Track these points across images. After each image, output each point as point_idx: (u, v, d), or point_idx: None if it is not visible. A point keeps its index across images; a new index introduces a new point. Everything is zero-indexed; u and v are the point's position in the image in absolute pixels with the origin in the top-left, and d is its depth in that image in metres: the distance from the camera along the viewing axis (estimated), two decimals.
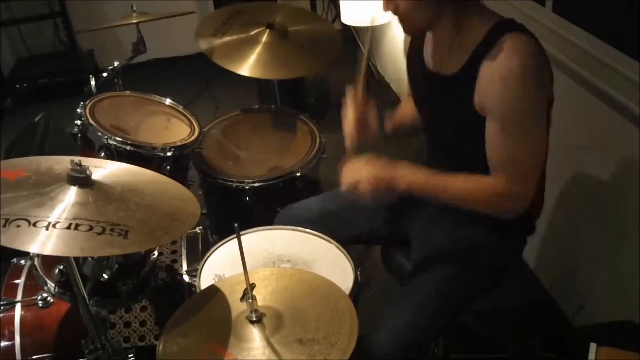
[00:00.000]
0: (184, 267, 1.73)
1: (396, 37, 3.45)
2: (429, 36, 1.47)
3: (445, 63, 1.40)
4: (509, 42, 1.24)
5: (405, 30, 1.41)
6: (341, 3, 3.15)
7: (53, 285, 1.50)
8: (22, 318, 1.57)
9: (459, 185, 1.34)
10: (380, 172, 1.38)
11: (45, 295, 1.55)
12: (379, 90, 3.74)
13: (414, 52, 1.54)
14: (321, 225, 1.66)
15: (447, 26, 1.35)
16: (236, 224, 1.12)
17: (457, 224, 1.53)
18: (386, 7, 1.36)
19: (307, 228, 1.65)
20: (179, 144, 1.88)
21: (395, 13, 1.36)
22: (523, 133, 1.27)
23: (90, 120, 1.80)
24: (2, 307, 1.58)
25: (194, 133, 1.99)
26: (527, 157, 1.28)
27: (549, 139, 1.42)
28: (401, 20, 1.38)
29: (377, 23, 2.89)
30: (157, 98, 2.10)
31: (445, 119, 1.45)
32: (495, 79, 1.25)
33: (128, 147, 1.76)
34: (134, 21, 2.19)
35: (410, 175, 1.38)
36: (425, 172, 1.37)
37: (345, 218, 1.71)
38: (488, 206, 1.35)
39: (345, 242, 1.63)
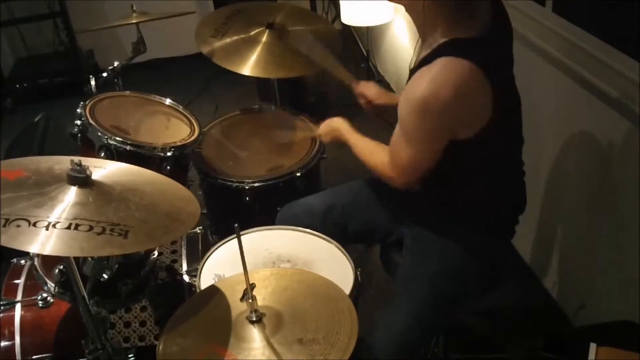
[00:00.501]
0: (184, 267, 1.73)
1: (396, 37, 3.45)
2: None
3: (422, 49, 1.46)
4: (434, 67, 1.30)
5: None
6: (341, 3, 3.15)
7: (53, 285, 1.50)
8: (22, 318, 1.57)
9: (365, 149, 1.66)
10: (334, 125, 1.82)
11: (45, 295, 1.55)
12: None
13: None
14: (323, 221, 1.68)
15: (426, 24, 1.40)
16: (236, 224, 1.12)
17: (446, 224, 1.54)
18: None
19: (309, 225, 1.67)
20: (179, 144, 1.88)
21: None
22: (409, 145, 1.40)
23: (90, 120, 1.80)
24: (2, 307, 1.58)
25: (194, 133, 1.99)
26: (408, 161, 1.43)
27: (549, 140, 1.43)
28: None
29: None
30: (157, 98, 2.10)
31: None
32: (406, 93, 1.35)
33: (128, 147, 1.76)
34: (134, 21, 2.18)
35: (339, 123, 1.80)
36: (352, 129, 1.76)
37: (347, 215, 1.72)
38: (377, 174, 1.58)
39: (346, 239, 1.65)
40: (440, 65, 1.29)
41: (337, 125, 1.82)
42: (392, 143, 1.48)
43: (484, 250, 1.54)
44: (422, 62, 1.35)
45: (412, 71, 1.40)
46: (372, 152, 1.63)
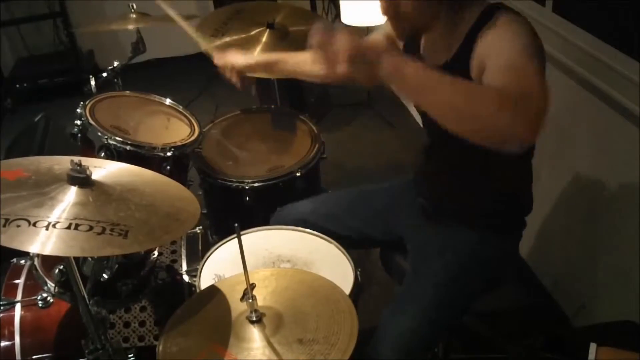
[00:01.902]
0: (184, 267, 1.73)
1: None
2: (424, 38, 1.47)
3: (437, 53, 1.38)
4: (504, 18, 1.23)
5: (399, 34, 1.39)
6: (341, 3, 3.15)
7: (53, 285, 1.50)
8: (22, 318, 1.57)
9: (460, 81, 1.07)
10: (363, 45, 1.10)
11: (45, 295, 1.55)
12: (379, 91, 3.75)
13: (409, 50, 1.52)
14: (315, 227, 1.66)
15: (444, 22, 1.34)
16: (236, 224, 1.12)
17: (450, 227, 1.53)
18: (385, 10, 1.35)
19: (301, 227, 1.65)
20: (179, 144, 1.88)
21: (394, 16, 1.34)
22: (524, 72, 1.09)
23: (90, 120, 1.79)
24: (2, 307, 1.58)
25: (194, 133, 1.99)
26: (530, 88, 1.05)
27: (548, 139, 1.43)
28: (398, 22, 1.36)
29: None
30: (157, 98, 2.10)
31: None
32: (494, 40, 1.18)
33: (128, 147, 1.76)
34: (135, 25, 2.17)
35: (399, 58, 1.09)
36: (411, 59, 1.09)
37: (340, 221, 1.70)
38: (490, 114, 1.01)
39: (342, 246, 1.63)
40: (506, 16, 1.21)
41: (377, 54, 1.09)
42: (495, 80, 1.10)
43: (491, 252, 1.53)
44: (474, 28, 1.24)
45: (468, 40, 1.24)
46: (467, 82, 1.13)
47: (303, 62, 1.75)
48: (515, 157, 1.09)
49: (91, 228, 1.07)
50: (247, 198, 2.01)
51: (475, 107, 1.02)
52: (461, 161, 1.41)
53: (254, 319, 1.15)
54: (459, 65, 1.27)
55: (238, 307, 1.19)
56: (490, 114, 1.01)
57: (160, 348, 1.14)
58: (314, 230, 1.64)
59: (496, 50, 1.16)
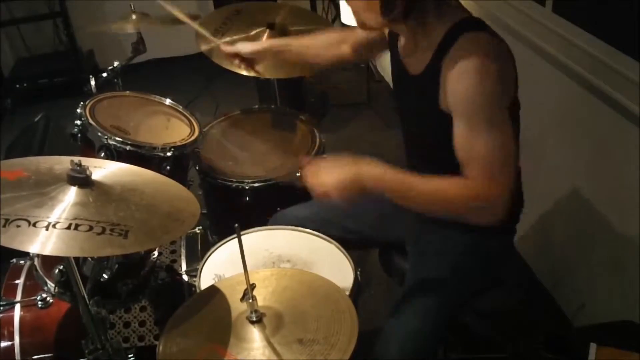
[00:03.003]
0: (184, 267, 1.73)
1: None
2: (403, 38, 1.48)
3: (412, 62, 1.42)
4: (465, 41, 1.25)
5: (359, 25, 1.42)
6: (341, 3, 3.15)
7: (53, 285, 1.50)
8: (21, 318, 1.57)
9: (432, 184, 1.25)
10: (344, 174, 1.28)
11: (44, 295, 1.55)
12: (379, 91, 3.75)
13: (392, 46, 1.55)
14: (312, 230, 1.66)
15: (410, 24, 1.36)
16: (236, 224, 1.12)
17: (446, 228, 1.53)
18: (357, 23, 1.40)
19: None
20: (179, 144, 1.88)
21: (361, 26, 1.41)
22: (486, 128, 1.22)
23: (90, 120, 1.79)
24: (1, 308, 1.58)
25: (194, 133, 1.99)
26: (493, 152, 1.22)
27: (548, 139, 1.43)
28: (355, 15, 1.40)
29: None
30: (157, 98, 2.10)
31: (415, 117, 1.48)
32: (454, 77, 1.25)
33: (128, 147, 1.76)
34: (135, 26, 2.17)
35: (375, 170, 1.27)
36: (394, 169, 1.28)
37: (336, 224, 1.69)
38: (463, 210, 1.26)
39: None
40: (468, 39, 1.24)
41: (356, 172, 1.28)
42: (459, 147, 1.25)
43: (487, 248, 1.54)
44: (440, 48, 1.28)
45: (435, 59, 1.30)
46: (439, 182, 1.25)
47: (307, 47, 1.80)
48: None
49: (91, 228, 1.07)
50: (247, 198, 2.01)
51: (448, 209, 1.28)
52: (435, 160, 1.43)
53: (254, 319, 1.15)
54: (428, 80, 1.33)
55: (238, 307, 1.19)
56: (461, 212, 1.27)
57: (160, 348, 1.14)
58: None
59: (455, 97, 1.26)
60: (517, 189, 1.56)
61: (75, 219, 1.08)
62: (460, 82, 1.25)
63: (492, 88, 1.23)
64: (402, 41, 1.48)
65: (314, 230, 1.65)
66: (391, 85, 3.64)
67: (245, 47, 1.85)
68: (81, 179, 1.16)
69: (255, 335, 1.13)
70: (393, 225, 1.66)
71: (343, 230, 1.68)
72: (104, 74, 2.17)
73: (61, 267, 1.43)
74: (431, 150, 1.47)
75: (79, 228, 1.06)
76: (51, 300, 1.56)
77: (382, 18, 1.31)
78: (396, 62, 1.50)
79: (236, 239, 1.12)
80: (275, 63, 1.98)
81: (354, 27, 1.59)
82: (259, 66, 1.92)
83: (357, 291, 1.47)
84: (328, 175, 1.30)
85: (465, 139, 1.25)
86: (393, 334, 1.44)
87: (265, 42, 1.97)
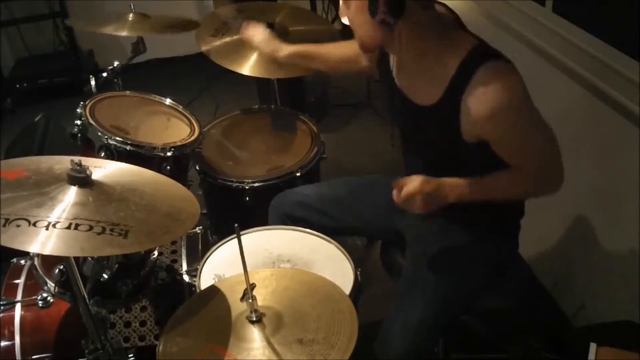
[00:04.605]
0: (184, 267, 1.73)
1: None
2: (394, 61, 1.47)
3: (416, 91, 1.41)
4: (487, 77, 1.26)
5: (360, 47, 1.41)
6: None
7: (53, 285, 1.50)
8: (22, 318, 1.57)
9: (502, 186, 1.40)
10: (430, 188, 1.38)
11: (45, 295, 1.55)
12: (379, 91, 3.74)
13: (382, 63, 1.53)
14: (316, 210, 1.69)
15: (408, 50, 1.34)
16: (236, 224, 1.12)
17: (448, 224, 1.54)
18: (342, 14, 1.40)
19: (301, 211, 1.69)
20: (179, 144, 1.88)
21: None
22: (532, 141, 1.36)
23: (90, 120, 1.80)
24: (2, 307, 1.58)
25: (194, 133, 1.99)
26: (545, 147, 1.39)
27: None
28: (355, 35, 1.39)
29: None
30: (157, 98, 2.10)
31: (427, 144, 1.48)
32: (488, 116, 1.27)
33: (128, 147, 1.76)
34: (133, 30, 2.15)
35: (458, 188, 1.40)
36: (467, 181, 1.40)
37: (341, 206, 1.71)
38: (532, 194, 1.48)
39: (339, 232, 1.66)
40: (489, 74, 1.26)
41: (441, 189, 1.39)
42: (512, 157, 1.37)
43: (490, 248, 1.55)
44: (455, 82, 1.30)
45: (451, 93, 1.31)
46: (507, 183, 1.41)
47: (326, 61, 1.84)
48: (495, 162, 1.36)
49: (91, 228, 1.07)
50: (247, 198, 2.01)
51: (520, 193, 1.47)
52: (466, 163, 1.42)
53: (254, 319, 1.15)
54: (444, 112, 1.33)
55: (238, 307, 1.19)
56: (531, 192, 1.47)
57: (160, 348, 1.15)
58: (315, 212, 1.66)
59: (493, 133, 1.32)
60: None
61: (75, 218, 1.08)
62: (496, 120, 1.28)
63: (527, 114, 1.32)
64: (395, 67, 1.46)
65: (315, 205, 1.68)
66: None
67: (283, 51, 1.89)
68: (81, 179, 1.16)
69: (255, 335, 1.13)
70: (395, 214, 1.66)
71: (345, 210, 1.71)
72: (104, 74, 2.17)
73: (61, 266, 1.43)
74: (441, 170, 1.46)
75: (79, 228, 1.06)
76: (51, 300, 1.56)
77: (376, 33, 1.30)
78: (392, 89, 1.48)
79: (236, 239, 1.12)
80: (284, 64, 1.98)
81: None
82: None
83: (357, 291, 1.47)
84: (416, 188, 1.37)
85: (512, 155, 1.36)
86: (395, 326, 1.45)
87: (293, 47, 1.92)
